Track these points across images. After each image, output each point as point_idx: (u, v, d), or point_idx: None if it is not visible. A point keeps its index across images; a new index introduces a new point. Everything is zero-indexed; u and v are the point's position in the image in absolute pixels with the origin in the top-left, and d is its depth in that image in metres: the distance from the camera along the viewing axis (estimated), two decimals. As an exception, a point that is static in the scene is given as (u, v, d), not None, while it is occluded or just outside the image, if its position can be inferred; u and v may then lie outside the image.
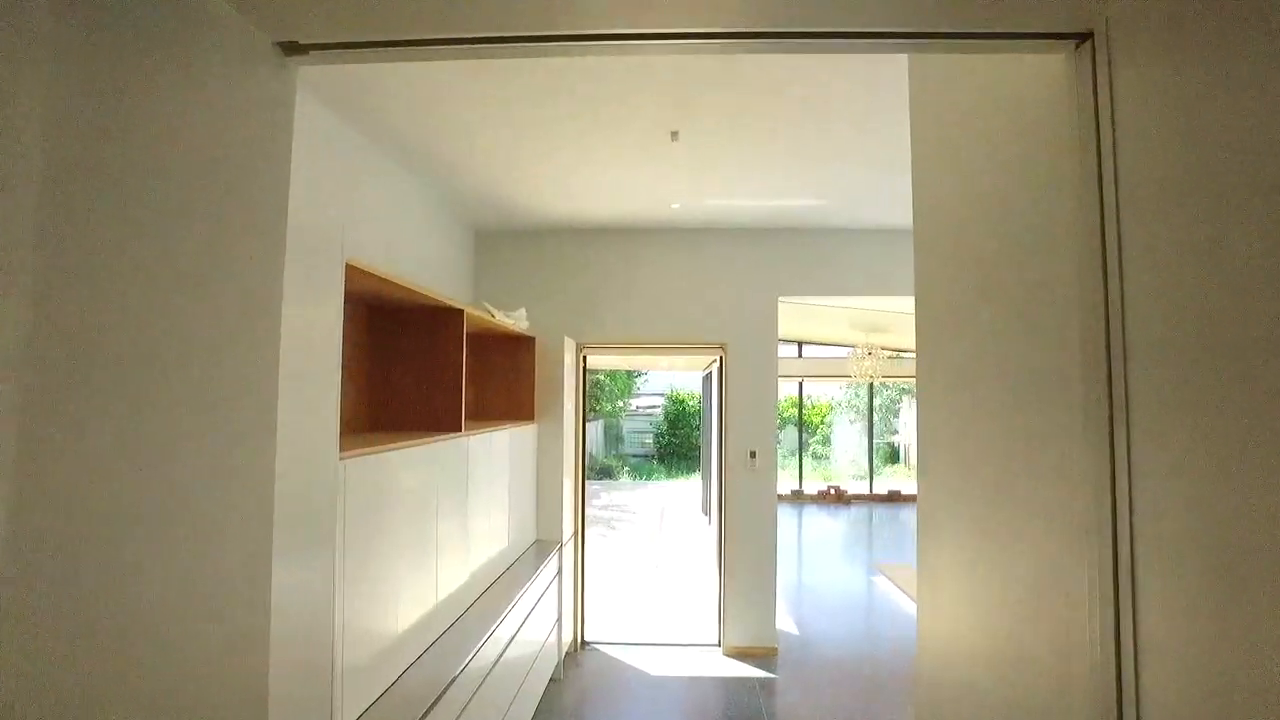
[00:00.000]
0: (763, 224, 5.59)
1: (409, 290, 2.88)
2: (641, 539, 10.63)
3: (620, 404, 24.63)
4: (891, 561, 9.03)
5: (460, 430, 3.35)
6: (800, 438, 16.44)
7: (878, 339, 11.82)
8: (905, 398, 22.16)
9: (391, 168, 4.05)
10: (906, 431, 21.97)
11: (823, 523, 12.15)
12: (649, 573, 8.42)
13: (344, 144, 3.51)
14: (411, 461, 2.71)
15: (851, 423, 22.62)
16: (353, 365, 3.23)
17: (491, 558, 3.93)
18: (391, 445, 2.53)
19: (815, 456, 22.10)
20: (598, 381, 23.35)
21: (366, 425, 3.38)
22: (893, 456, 21.59)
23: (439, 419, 3.40)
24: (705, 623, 6.27)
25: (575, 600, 5.66)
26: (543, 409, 5.22)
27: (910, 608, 6.89)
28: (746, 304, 5.72)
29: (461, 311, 3.47)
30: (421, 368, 3.44)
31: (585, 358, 5.95)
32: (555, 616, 4.87)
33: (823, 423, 22.60)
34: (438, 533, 3.01)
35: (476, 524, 3.63)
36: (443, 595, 3.08)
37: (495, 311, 4.31)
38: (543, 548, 4.94)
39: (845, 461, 21.74)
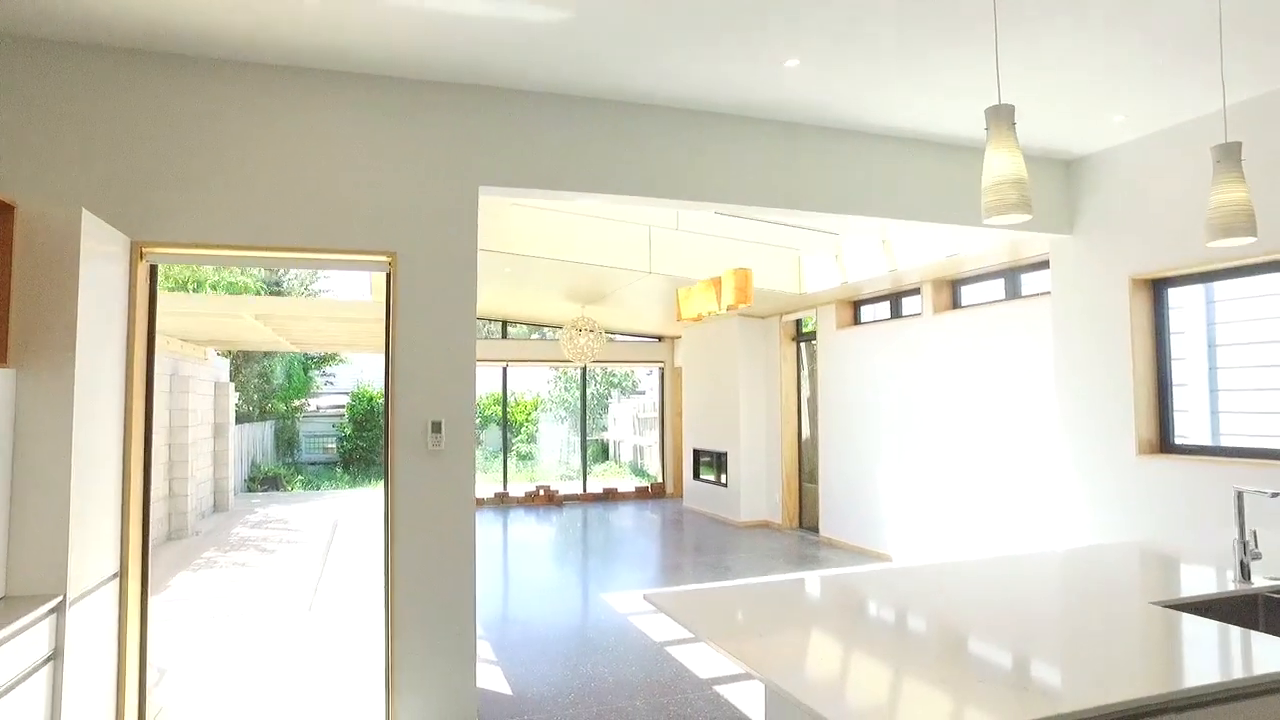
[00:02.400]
0: (459, 75, 3.64)
1: None
2: (298, 567, 8.01)
3: (296, 403, 20.92)
4: (635, 580, 7.47)
5: None
6: (505, 435, 14.59)
7: (595, 312, 10.36)
8: (615, 392, 21.38)
9: None
10: (617, 428, 21.18)
11: (533, 529, 10.38)
12: (295, 620, 5.97)
13: None
14: None
15: (562, 420, 21.39)
16: None
17: None
18: None
19: (521, 457, 20.52)
20: (264, 373, 19.54)
21: None
22: (603, 454, 20.71)
23: None
24: (369, 695, 4.13)
25: (117, 693, 3.21)
26: (36, 346, 2.75)
27: (667, 638, 5.29)
28: (429, 193, 3.73)
29: None
30: None
31: (154, 270, 3.52)
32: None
33: (528, 420, 21.13)
34: None
35: None
36: None
37: None
38: (10, 609, 2.48)
39: (553, 461, 20.45)
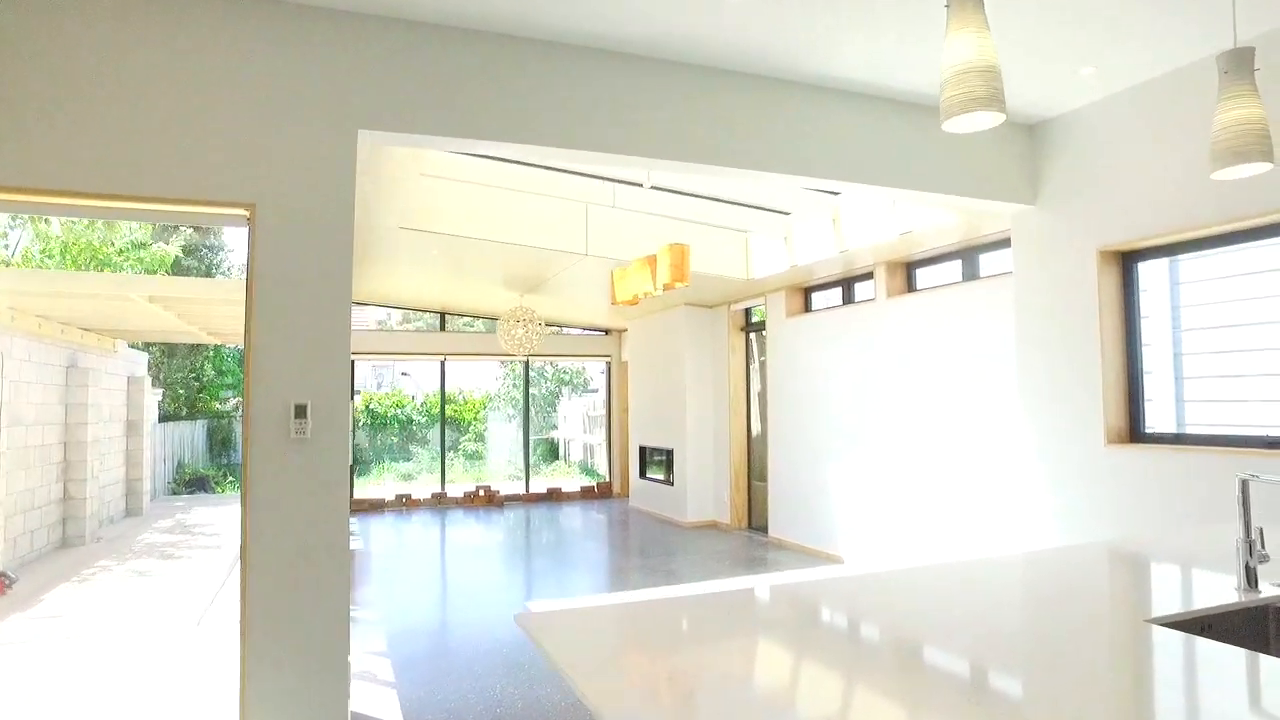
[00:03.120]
0: (337, 1, 3.08)
1: None
2: (203, 576, 7.31)
3: (234, 401, 19.91)
4: (570, 587, 6.93)
5: None
6: (442, 433, 13.96)
7: (536, 302, 9.79)
8: (566, 389, 20.76)
9: None
10: (567, 426, 20.57)
11: (469, 532, 9.77)
12: (176, 637, 5.31)
13: None
14: None
15: (511, 418, 20.70)
16: None
17: None
18: None
19: (468, 456, 19.78)
20: (195, 368, 18.56)
21: None
22: (553, 453, 20.07)
23: None
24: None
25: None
26: None
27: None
28: (298, 136, 3.15)
29: None
30: None
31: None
32: None
33: (476, 419, 20.40)
34: None
35: None
36: None
37: None
38: None
39: (502, 460, 19.75)
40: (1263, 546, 1.99)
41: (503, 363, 19.28)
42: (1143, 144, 3.94)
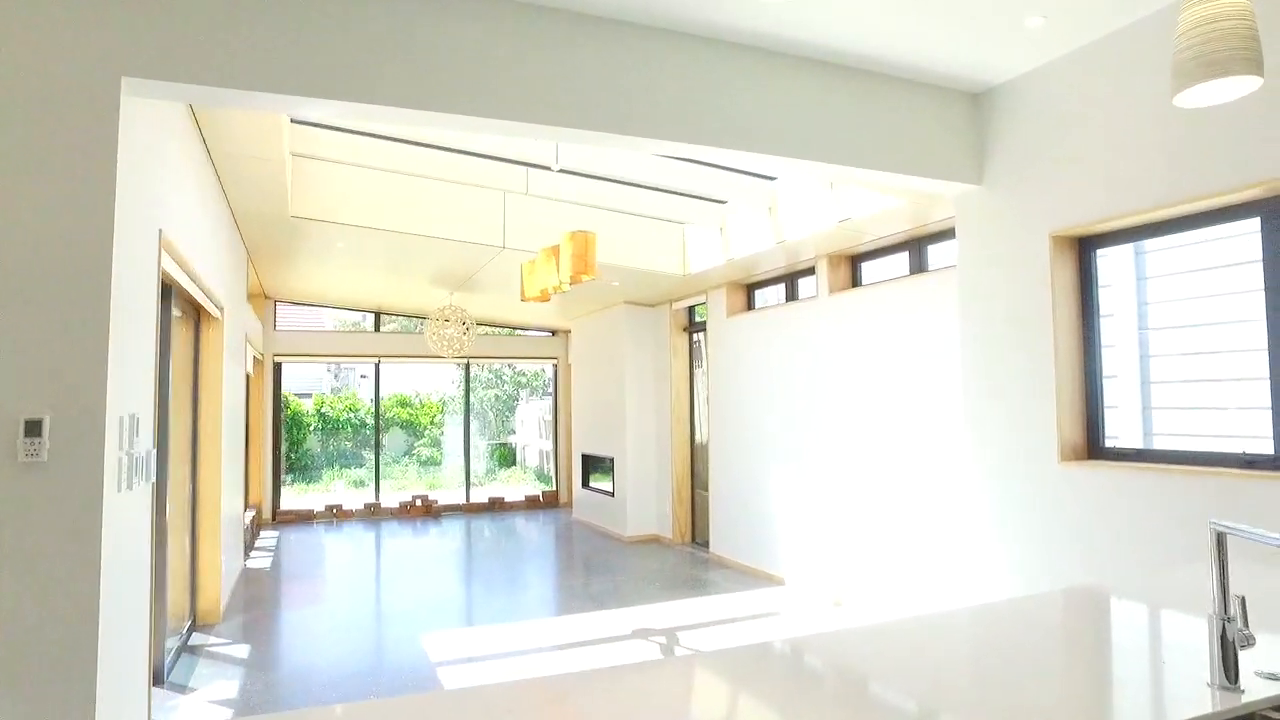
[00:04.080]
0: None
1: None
2: None
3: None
4: (477, 614, 6.27)
5: None
6: (377, 439, 13.27)
7: (474, 301, 9.12)
8: (523, 392, 20.02)
9: None
10: (524, 430, 19.83)
11: (393, 546, 9.07)
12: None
13: None
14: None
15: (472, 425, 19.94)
16: None
17: None
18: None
19: (423, 463, 19.02)
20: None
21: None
22: (509, 459, 19.34)
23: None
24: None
25: None
26: None
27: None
28: (42, 82, 2.49)
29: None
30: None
31: None
32: None
33: (432, 423, 19.63)
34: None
35: None
36: None
37: None
38: None
39: (456, 467, 19.01)
40: (1245, 623, 1.39)
41: (458, 365, 18.57)
42: (1099, 111, 3.36)
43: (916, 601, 5.05)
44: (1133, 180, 3.20)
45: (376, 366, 11.59)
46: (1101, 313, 3.56)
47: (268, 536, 9.25)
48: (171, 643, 4.63)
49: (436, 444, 19.65)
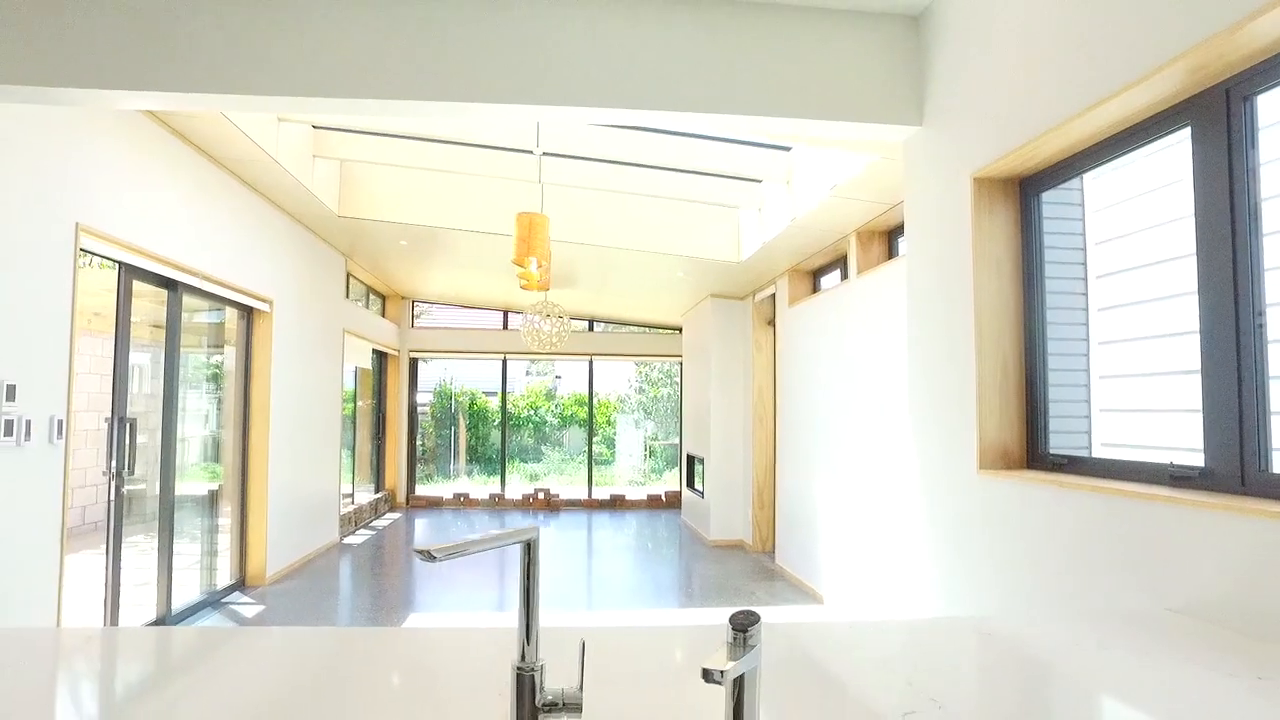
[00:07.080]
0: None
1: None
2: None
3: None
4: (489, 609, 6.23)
5: None
6: (504, 434, 13.73)
7: (561, 295, 9.17)
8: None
9: None
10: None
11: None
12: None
13: None
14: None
15: (638, 424, 20.16)
16: None
17: None
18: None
19: (598, 461, 19.48)
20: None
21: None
22: (670, 462, 19.25)
23: None
24: None
25: None
26: None
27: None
28: None
29: None
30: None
31: None
32: None
33: (608, 422, 20.06)
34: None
35: None
36: None
37: None
38: None
39: (626, 466, 19.25)
40: None
41: (636, 364, 18.82)
42: (1018, 16, 2.57)
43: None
44: (1051, 96, 2.40)
45: (504, 362, 11.98)
46: (1047, 277, 2.73)
47: (390, 518, 9.93)
48: (197, 597, 5.24)
49: (610, 442, 20.08)
